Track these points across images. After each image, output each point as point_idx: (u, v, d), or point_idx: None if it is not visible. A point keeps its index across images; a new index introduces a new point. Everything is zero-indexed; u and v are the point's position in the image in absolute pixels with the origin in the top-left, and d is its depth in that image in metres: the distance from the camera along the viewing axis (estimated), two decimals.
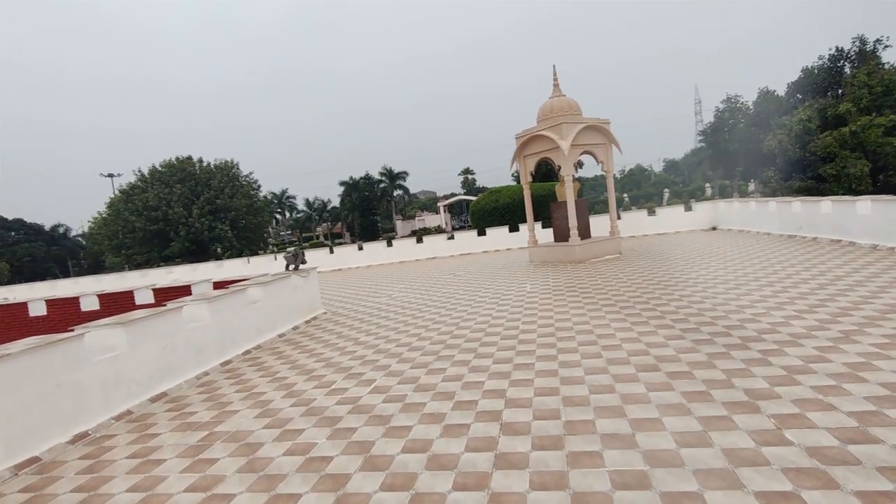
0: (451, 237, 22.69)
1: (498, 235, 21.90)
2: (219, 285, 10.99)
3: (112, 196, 44.77)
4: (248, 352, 8.42)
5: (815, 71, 36.58)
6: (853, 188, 28.10)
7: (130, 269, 44.12)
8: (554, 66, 15.27)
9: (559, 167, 14.68)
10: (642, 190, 57.40)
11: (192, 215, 41.40)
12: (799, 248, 12.28)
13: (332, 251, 23.43)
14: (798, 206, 14.15)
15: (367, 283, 16.90)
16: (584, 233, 15.21)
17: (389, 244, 23.09)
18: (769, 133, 32.83)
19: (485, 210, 27.40)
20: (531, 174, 15.71)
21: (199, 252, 42.74)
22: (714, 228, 19.61)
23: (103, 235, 43.94)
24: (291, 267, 11.12)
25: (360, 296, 13.95)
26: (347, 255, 23.20)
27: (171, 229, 41.61)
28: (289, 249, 10.34)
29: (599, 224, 17.57)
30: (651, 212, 20.84)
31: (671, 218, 20.32)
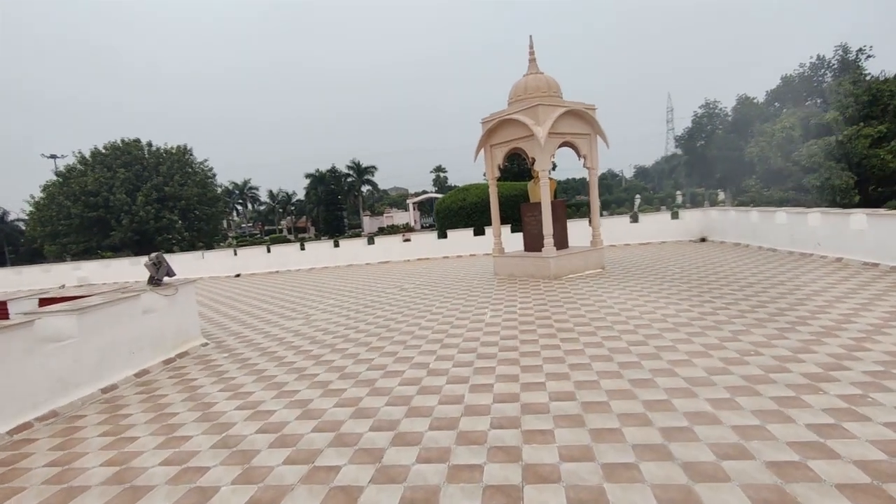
0: (408, 239, 19.43)
1: (461, 239, 18.74)
2: (47, 302, 7.52)
3: (49, 180, 39.88)
4: (26, 425, 5.04)
5: (796, 79, 34.66)
6: (837, 200, 26.06)
7: (71, 259, 39.48)
8: (531, 36, 12.19)
9: (533, 160, 11.60)
10: (614, 195, 55.17)
11: (136, 203, 37.04)
12: (834, 271, 9.51)
13: (269, 250, 19.92)
14: (817, 219, 11.42)
15: (291, 295, 13.51)
16: (561, 242, 12.18)
17: (336, 245, 19.68)
18: (750, 140, 30.64)
19: (450, 209, 24.20)
20: (499, 168, 12.59)
21: (144, 243, 38.41)
22: (703, 240, 16.90)
23: (36, 221, 39.09)
24: (164, 279, 7.73)
25: (272, 314, 10.59)
26: (287, 256, 19.69)
27: (113, 217, 37.18)
28: (151, 255, 6.86)
29: (577, 231, 14.59)
30: (634, 218, 18.02)
31: (656, 226, 17.53)
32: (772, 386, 4.55)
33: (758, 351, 5.52)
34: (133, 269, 20.49)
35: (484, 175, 13.64)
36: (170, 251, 37.03)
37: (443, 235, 19.12)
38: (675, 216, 17.59)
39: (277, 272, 19.40)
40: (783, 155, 28.54)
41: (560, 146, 11.94)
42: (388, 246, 19.19)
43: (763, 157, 28.86)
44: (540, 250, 11.87)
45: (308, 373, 6.13)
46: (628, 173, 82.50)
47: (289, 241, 51.91)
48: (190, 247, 39.07)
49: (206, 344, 7.93)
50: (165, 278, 7.57)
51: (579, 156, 12.29)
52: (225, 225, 59.96)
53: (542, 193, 11.29)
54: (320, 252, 19.55)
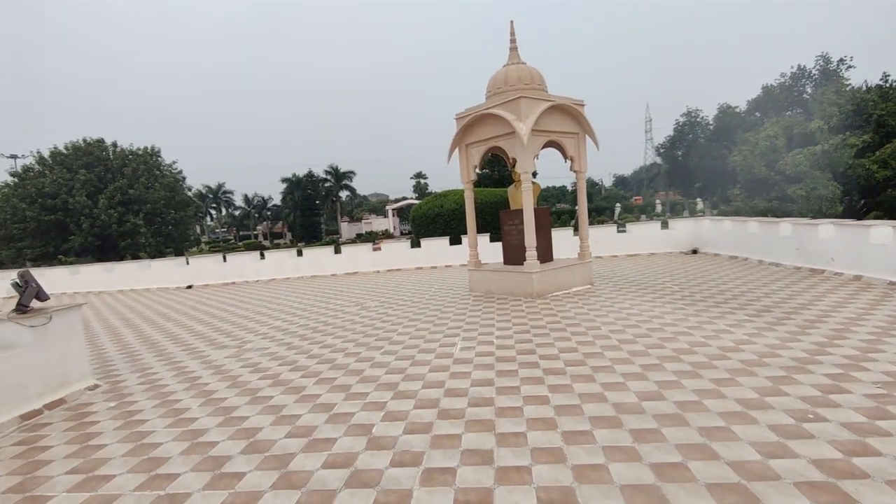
0: (378, 248, 17.67)
1: (436, 248, 17.06)
2: None
3: (5, 181, 37.11)
4: None
5: (777, 89, 33.98)
6: (823, 211, 25.16)
7: (26, 264, 36.70)
8: (511, 21, 10.63)
9: (513, 161, 10.03)
10: (594, 203, 54.22)
11: (98, 206, 34.56)
12: (857, 291, 8.09)
13: (224, 259, 17.95)
14: (829, 232, 10.06)
15: (236, 313, 11.67)
16: (546, 254, 10.61)
17: (299, 254, 17.83)
18: (734, 149, 29.70)
19: (427, 216, 22.55)
20: (476, 170, 10.98)
21: (106, 249, 35.93)
22: (695, 251, 15.55)
23: None
24: (33, 303, 5.89)
25: (203, 339, 8.76)
26: (245, 266, 17.69)
27: (72, 221, 34.62)
28: (20, 272, 4.94)
29: (560, 241, 13.07)
30: (621, 227, 16.61)
31: (644, 236, 16.13)
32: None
33: (817, 414, 3.95)
34: (108, 275, 18.20)
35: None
36: (136, 257, 34.61)
37: (416, 244, 17.43)
38: (664, 226, 16.22)
39: (234, 283, 17.43)
40: (767, 164, 27.61)
41: (544, 147, 10.40)
42: (357, 255, 17.38)
43: (746, 167, 27.89)
44: (521, 263, 10.29)
45: (204, 441, 4.37)
46: (608, 182, 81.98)
47: (264, 247, 49.59)
48: (157, 253, 36.73)
49: (96, 386, 6.09)
50: (35, 302, 5.71)
51: (566, 157, 10.75)
52: (198, 230, 57.44)
53: (525, 199, 9.70)
54: (282, 261, 17.62)
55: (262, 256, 17.91)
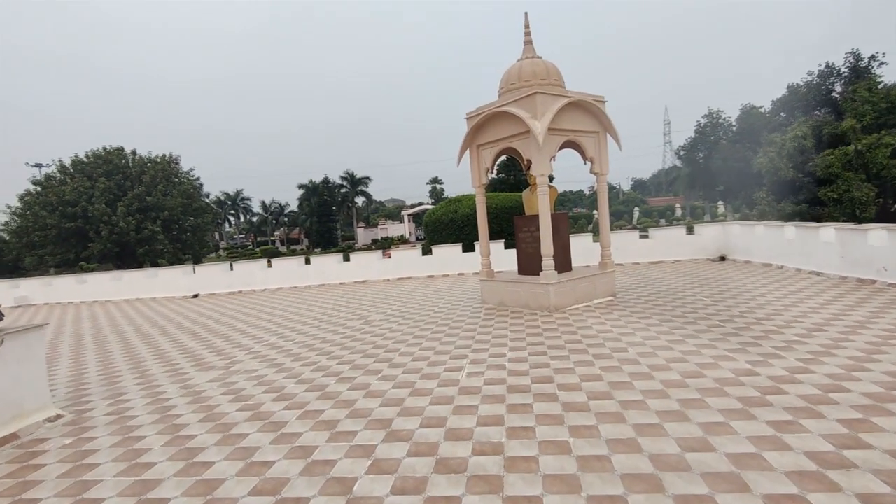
0: (388, 256, 16.92)
1: (448, 256, 16.25)
2: None
3: (27, 189, 37.50)
4: None
5: (803, 88, 32.45)
6: (857, 214, 23.67)
7: (46, 272, 37.04)
8: (526, 13, 9.79)
9: (528, 163, 9.18)
10: (612, 208, 52.87)
11: (116, 213, 34.63)
12: None
13: (231, 267, 17.39)
14: (881, 238, 8.96)
15: (234, 327, 11.00)
16: (563, 263, 9.71)
17: (307, 262, 17.18)
18: (759, 150, 28.32)
19: (440, 222, 21.72)
20: (489, 173, 10.15)
21: (125, 255, 36.00)
22: (723, 258, 14.45)
23: (12, 232, 36.72)
24: None
25: (191, 358, 8.07)
26: (252, 274, 17.16)
27: (91, 228, 34.75)
28: None
29: (578, 248, 12.14)
30: (643, 233, 15.58)
31: (668, 242, 15.08)
32: None
33: None
34: (116, 283, 17.76)
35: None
36: (155, 264, 34.53)
37: (427, 252, 16.63)
38: (690, 231, 15.15)
39: (241, 292, 16.85)
40: (795, 166, 26.20)
41: (562, 147, 9.51)
42: (366, 263, 16.65)
43: (773, 168, 26.50)
44: (537, 273, 9.41)
45: (155, 497, 3.61)
46: (625, 186, 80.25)
47: (280, 253, 49.40)
48: (175, 259, 36.72)
49: (58, 417, 5.39)
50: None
51: (585, 158, 9.86)
52: (217, 237, 57.71)
53: (541, 204, 8.82)
54: (289, 270, 16.99)
55: (270, 265, 17.30)
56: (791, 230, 11.52)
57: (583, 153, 9.75)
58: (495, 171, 40.67)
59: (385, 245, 44.81)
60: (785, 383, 4.72)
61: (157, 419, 5.19)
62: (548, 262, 8.93)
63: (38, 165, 44.96)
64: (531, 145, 8.66)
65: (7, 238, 49.44)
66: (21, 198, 36.08)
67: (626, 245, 14.92)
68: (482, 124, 9.62)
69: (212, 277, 17.31)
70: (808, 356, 5.43)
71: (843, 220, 20.95)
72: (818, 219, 24.47)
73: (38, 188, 35.81)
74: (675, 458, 3.52)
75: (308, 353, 7.47)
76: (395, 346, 7.45)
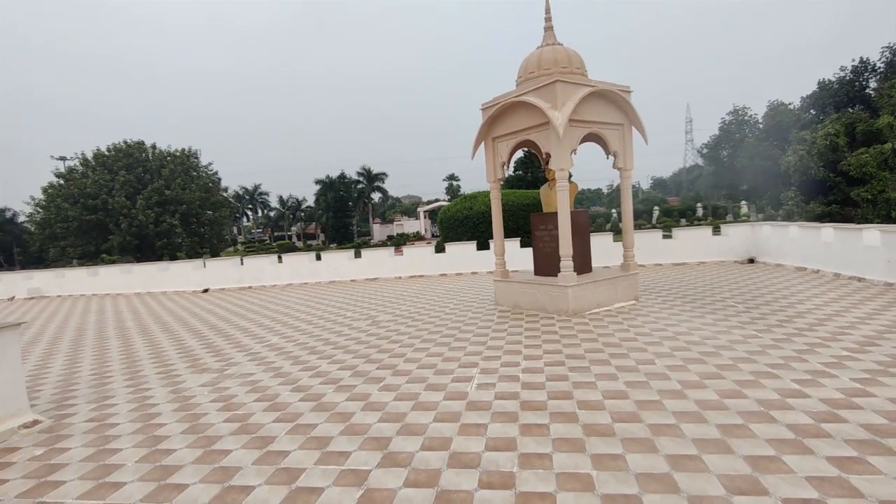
0: (400, 253, 16.44)
1: (462, 254, 15.69)
2: None
3: (50, 182, 37.97)
4: None
5: (835, 84, 31.01)
6: (892, 216, 22.42)
7: (68, 264, 37.52)
8: None
9: (547, 157, 8.56)
10: (633, 206, 51.67)
11: (135, 206, 34.83)
12: None
13: (242, 262, 17.08)
14: None
15: (238, 325, 10.60)
16: (583, 264, 9.09)
17: (318, 258, 16.78)
18: (788, 148, 27.10)
19: (455, 219, 21.17)
20: (504, 168, 9.55)
21: (144, 248, 36.28)
22: (752, 261, 13.63)
23: (36, 224, 37.28)
24: None
25: (187, 359, 7.65)
26: (262, 270, 16.82)
27: (111, 221, 35.02)
28: None
29: (596, 247, 11.47)
30: (667, 233, 14.82)
31: (692, 243, 14.30)
32: None
33: None
34: (127, 276, 17.57)
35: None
36: (174, 257, 34.69)
37: (440, 249, 16.10)
38: (716, 232, 14.34)
39: (250, 287, 16.53)
40: (826, 164, 25.00)
41: (583, 140, 8.87)
42: (378, 260, 16.18)
43: (802, 167, 25.32)
44: (554, 274, 8.81)
45: None
46: (645, 184, 78.60)
47: (297, 248, 49.39)
48: (194, 253, 36.90)
49: (35, 423, 4.99)
50: None
51: (608, 153, 9.20)
52: (235, 231, 58.04)
53: (560, 200, 8.20)
54: (300, 266, 16.62)
55: (280, 260, 16.94)
56: (829, 232, 10.70)
57: (605, 147, 9.10)
58: (512, 168, 39.95)
59: (400, 241, 44.42)
60: (842, 408, 4.07)
61: (138, 429, 4.75)
62: (566, 263, 8.31)
63: (63, 159, 45.58)
64: (551, 137, 8.05)
65: (33, 230, 50.40)
66: (44, 190, 36.52)
67: (648, 246, 14.18)
68: (498, 115, 9.03)
69: (222, 272, 17.04)
70: (864, 375, 4.75)
71: (879, 223, 19.81)
72: (849, 220, 23.28)
73: (61, 181, 36.19)
74: (719, 502, 2.93)
75: (308, 357, 6.99)
76: (402, 350, 6.93)
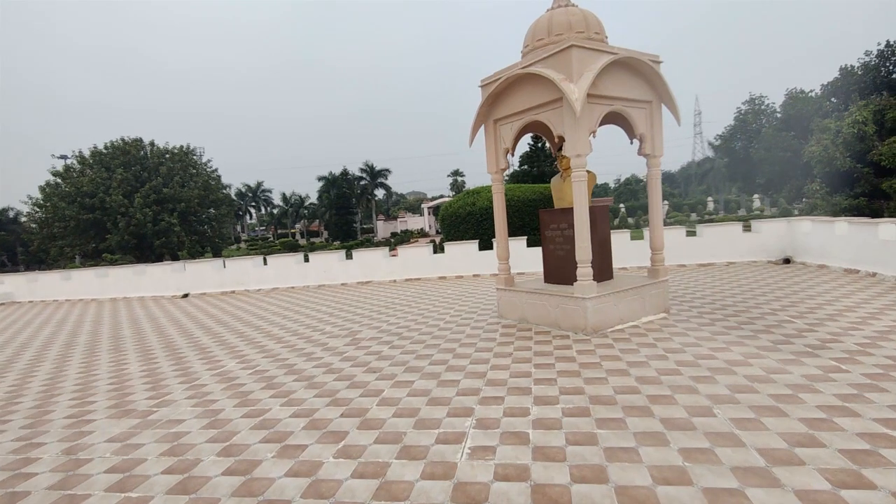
0: (395, 254, 14.88)
1: (463, 254, 14.10)
2: None
3: (48, 181, 36.82)
4: None
5: (859, 70, 29.00)
6: None
7: (70, 263, 36.44)
8: None
9: (559, 141, 6.96)
10: (640, 201, 49.78)
11: (133, 204, 33.62)
12: None
13: (224, 265, 15.59)
14: None
15: (198, 343, 9.11)
16: (603, 270, 7.50)
17: (306, 259, 15.26)
18: (809, 138, 25.22)
19: (457, 216, 19.56)
20: (508, 155, 7.94)
21: (142, 247, 35.07)
22: (788, 261, 11.95)
23: (37, 223, 36.30)
24: None
25: (119, 389, 6.18)
26: (246, 273, 15.29)
27: (109, 220, 33.84)
28: None
29: (614, 247, 9.82)
30: (691, 230, 13.16)
31: (719, 241, 12.63)
32: None
33: None
34: (138, 278, 15.96)
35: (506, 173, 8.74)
36: (174, 257, 33.42)
37: (439, 249, 14.53)
38: (747, 229, 12.66)
39: (233, 292, 15.06)
40: (853, 155, 23.11)
41: (602, 122, 7.25)
42: (371, 262, 14.62)
43: (826, 158, 23.45)
44: (568, 281, 7.24)
45: None
46: None
47: (300, 245, 48.03)
48: (195, 252, 35.67)
49: None
50: None
51: (632, 137, 7.59)
52: (238, 228, 56.85)
53: (576, 193, 6.60)
54: (287, 268, 15.09)
55: (265, 262, 15.43)
56: (888, 229, 9.01)
57: (630, 129, 7.48)
58: (517, 163, 37.90)
59: (404, 238, 42.91)
60: None
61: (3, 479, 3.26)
62: (584, 270, 6.72)
63: (63, 157, 44.46)
64: (565, 116, 6.45)
65: (34, 228, 49.41)
66: (42, 189, 35.41)
67: (670, 244, 12.49)
68: (501, 93, 7.43)
69: (203, 275, 15.58)
70: None
71: None
72: (878, 214, 21.43)
73: (59, 180, 35.06)
74: None
75: (261, 394, 5.46)
76: (378, 385, 5.39)
